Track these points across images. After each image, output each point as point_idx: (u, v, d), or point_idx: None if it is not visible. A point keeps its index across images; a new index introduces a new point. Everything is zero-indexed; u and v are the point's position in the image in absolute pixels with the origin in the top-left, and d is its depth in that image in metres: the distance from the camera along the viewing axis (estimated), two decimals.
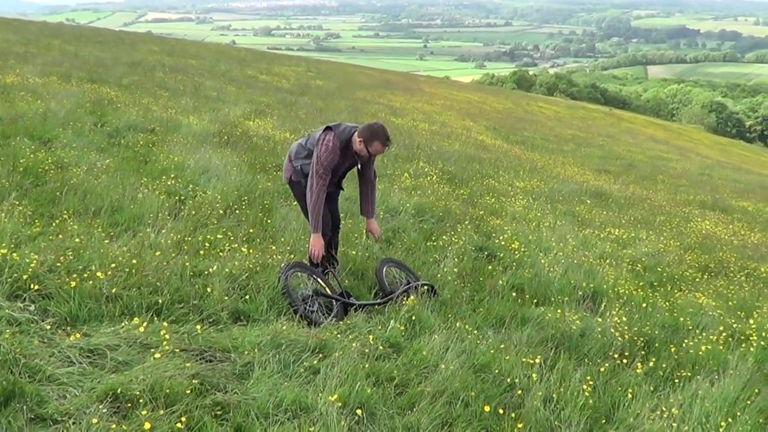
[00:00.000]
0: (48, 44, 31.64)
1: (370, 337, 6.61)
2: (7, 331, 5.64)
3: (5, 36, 32.52)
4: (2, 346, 5.37)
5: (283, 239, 8.93)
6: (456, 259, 9.46)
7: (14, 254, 6.76)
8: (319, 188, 7.50)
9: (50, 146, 12.02)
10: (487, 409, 5.75)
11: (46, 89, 18.27)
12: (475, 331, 7.24)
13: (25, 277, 6.39)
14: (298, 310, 6.90)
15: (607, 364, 7.04)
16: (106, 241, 7.76)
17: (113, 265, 6.93)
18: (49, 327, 5.88)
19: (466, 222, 11.58)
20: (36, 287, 6.34)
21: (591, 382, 6.51)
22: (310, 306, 7.15)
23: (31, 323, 5.88)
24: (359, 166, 7.91)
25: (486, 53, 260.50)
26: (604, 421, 6.04)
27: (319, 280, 7.58)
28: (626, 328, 8.17)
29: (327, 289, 7.52)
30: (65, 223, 8.25)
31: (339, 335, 6.56)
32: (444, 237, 10.46)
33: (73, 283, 6.40)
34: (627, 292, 9.67)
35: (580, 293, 9.14)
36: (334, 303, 7.40)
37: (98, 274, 6.65)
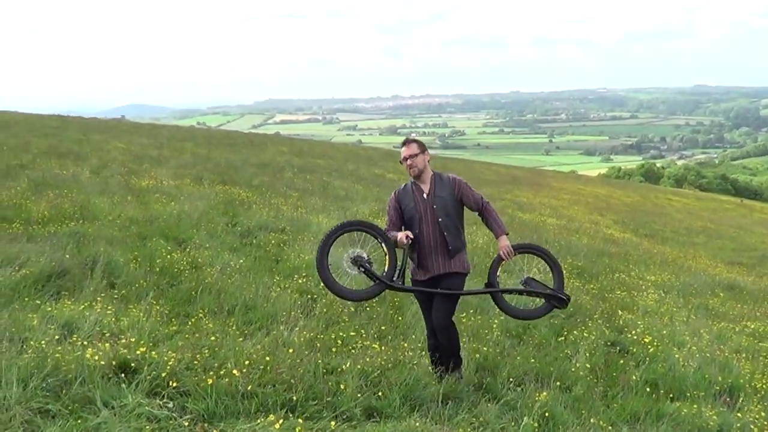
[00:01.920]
0: (180, 147, 32.78)
1: None
2: (147, 427, 5.79)
3: (140, 140, 33.85)
4: None
5: (414, 336, 8.96)
6: (588, 354, 9.31)
7: (153, 352, 6.96)
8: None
9: (185, 247, 12.40)
10: None
11: (180, 191, 18.91)
12: (610, 427, 7.09)
13: (163, 374, 6.56)
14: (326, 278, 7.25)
15: None
16: (241, 339, 7.93)
17: (248, 363, 7.06)
18: (187, 423, 6.01)
19: (597, 317, 11.42)
20: (174, 384, 6.49)
21: None
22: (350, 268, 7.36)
23: (170, 420, 6.01)
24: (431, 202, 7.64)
25: (612, 146, 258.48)
26: None
27: (384, 245, 7.42)
28: (765, 423, 7.89)
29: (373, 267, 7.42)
30: (201, 322, 8.47)
31: (471, 431, 6.50)
32: (575, 332, 10.33)
33: (210, 381, 6.53)
34: (765, 386, 9.34)
35: (717, 388, 8.87)
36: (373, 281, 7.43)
37: (234, 371, 6.78)
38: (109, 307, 8.44)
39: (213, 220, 14.85)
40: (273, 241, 13.47)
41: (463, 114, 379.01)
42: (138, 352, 6.90)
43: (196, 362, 7.01)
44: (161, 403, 6.26)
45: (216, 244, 12.88)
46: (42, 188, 16.46)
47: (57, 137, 29.93)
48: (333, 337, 8.32)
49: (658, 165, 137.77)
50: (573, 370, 8.67)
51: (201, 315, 8.74)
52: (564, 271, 8.26)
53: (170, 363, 6.76)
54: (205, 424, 6.08)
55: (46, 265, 9.69)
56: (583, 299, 12.76)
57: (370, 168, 36.77)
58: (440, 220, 7.50)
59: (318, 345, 7.98)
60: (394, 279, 7.42)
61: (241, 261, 11.47)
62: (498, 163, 77.24)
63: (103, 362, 6.66)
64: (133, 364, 6.72)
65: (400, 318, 9.72)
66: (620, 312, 12.27)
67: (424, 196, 7.57)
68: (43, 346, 6.90)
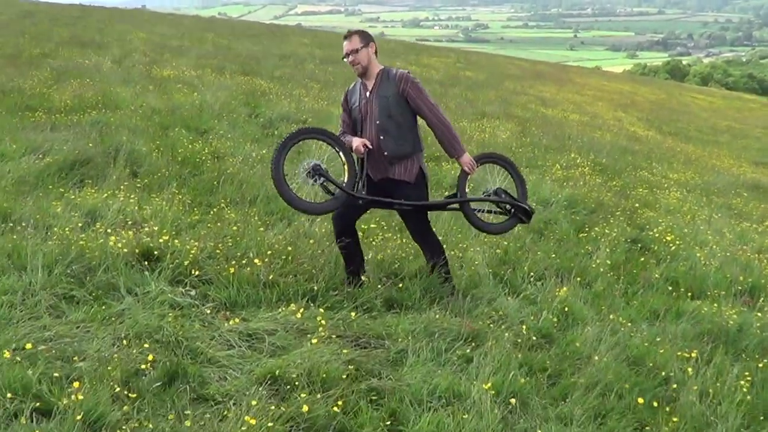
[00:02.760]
0: (201, 38, 32.52)
1: (523, 327, 6.58)
2: (170, 314, 5.88)
3: (161, 30, 33.59)
4: (166, 328, 5.60)
5: (434, 228, 8.97)
6: (609, 251, 9.32)
7: (175, 241, 7.04)
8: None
9: (206, 137, 12.41)
10: (641, 401, 5.65)
11: (201, 81, 18.84)
12: (629, 324, 7.12)
13: (186, 263, 6.65)
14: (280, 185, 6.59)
15: (765, 360, 6.83)
16: (262, 229, 7.97)
17: (269, 253, 7.12)
18: (209, 311, 6.10)
19: (619, 214, 11.40)
20: (196, 273, 6.59)
21: (749, 379, 6.33)
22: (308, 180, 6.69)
23: (192, 307, 6.12)
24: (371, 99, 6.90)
25: (638, 43, 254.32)
26: (762, 418, 5.86)
27: (341, 154, 6.79)
28: None
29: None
30: (223, 212, 8.52)
31: (491, 324, 6.56)
32: (596, 229, 10.32)
33: (232, 270, 6.61)
34: None
35: (738, 288, 8.87)
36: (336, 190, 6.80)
37: (256, 260, 6.84)
38: (132, 196, 8.49)
39: (235, 111, 14.82)
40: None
41: (486, 7, 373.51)
42: (161, 241, 6.98)
43: (218, 251, 7.09)
44: (184, 290, 6.37)
45: (237, 134, 12.88)
46: (64, 77, 16.44)
47: (78, 26, 29.76)
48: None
49: (684, 62, 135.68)
50: (593, 266, 8.69)
51: (223, 205, 8.78)
52: (527, 184, 7.82)
53: (192, 252, 6.84)
54: (227, 312, 6.18)
55: (69, 154, 9.74)
56: (605, 196, 12.73)
57: (392, 61, 36.33)
58: (378, 122, 6.83)
59: None
60: (355, 190, 6.82)
61: (263, 152, 11.46)
62: (522, 58, 76.27)
63: (126, 250, 6.75)
64: (155, 252, 6.81)
65: None
66: (642, 210, 12.24)
67: (367, 94, 6.90)
68: (67, 233, 6.98)
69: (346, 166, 6.77)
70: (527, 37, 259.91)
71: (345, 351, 5.63)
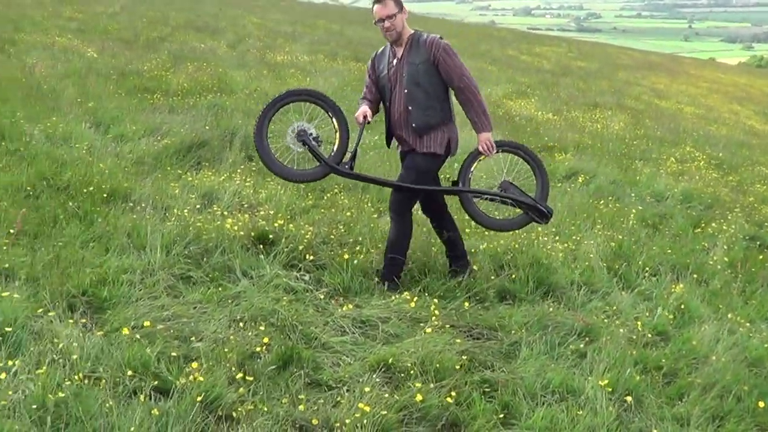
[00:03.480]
0: (313, 23, 32.81)
1: (638, 323, 6.45)
2: (284, 298, 5.93)
3: (274, 16, 33.98)
4: (280, 312, 5.65)
5: None
6: (726, 248, 9.07)
7: (290, 225, 7.08)
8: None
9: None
10: (761, 405, 5.49)
11: (314, 67, 19.00)
12: (748, 324, 6.92)
13: (300, 247, 6.70)
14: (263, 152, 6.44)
15: None
16: (375, 216, 7.98)
17: (381, 240, 7.11)
18: (322, 297, 6.13)
19: (737, 210, 11.09)
20: (310, 257, 6.62)
21: None
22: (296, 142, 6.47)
23: (306, 292, 6.15)
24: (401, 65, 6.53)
25: (754, 34, 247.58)
26: None
27: (334, 121, 6.54)
28: None
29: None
30: (336, 197, 8.54)
31: (605, 319, 6.44)
32: (713, 225, 10.05)
33: (346, 256, 6.62)
34: None
35: None
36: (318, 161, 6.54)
37: (370, 249, 6.85)
38: (248, 179, 8.59)
39: (347, 97, 14.86)
40: None
41: None
42: (276, 225, 7.03)
43: (332, 237, 7.12)
44: (298, 275, 6.40)
45: (350, 120, 12.90)
46: (180, 61, 16.72)
47: (194, 11, 30.25)
48: (466, 218, 8.27)
49: None
50: (710, 263, 8.46)
51: (336, 191, 8.81)
52: (550, 182, 7.14)
53: (307, 237, 6.89)
54: (340, 298, 6.19)
55: (186, 136, 9.89)
56: (722, 191, 12.41)
57: (503, 49, 36.15)
58: (406, 91, 6.43)
59: None
60: (341, 162, 6.51)
61: (376, 138, 11.47)
62: (634, 48, 75.04)
63: (242, 233, 6.83)
64: (271, 236, 6.87)
65: None
66: (761, 206, 11.89)
67: (395, 62, 6.52)
68: (185, 214, 7.08)
69: (337, 134, 6.50)
70: (640, 27, 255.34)
71: (458, 341, 5.59)
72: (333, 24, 33.85)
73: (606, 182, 11.38)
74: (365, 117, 6.49)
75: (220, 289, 5.96)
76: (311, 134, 6.45)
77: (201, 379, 4.53)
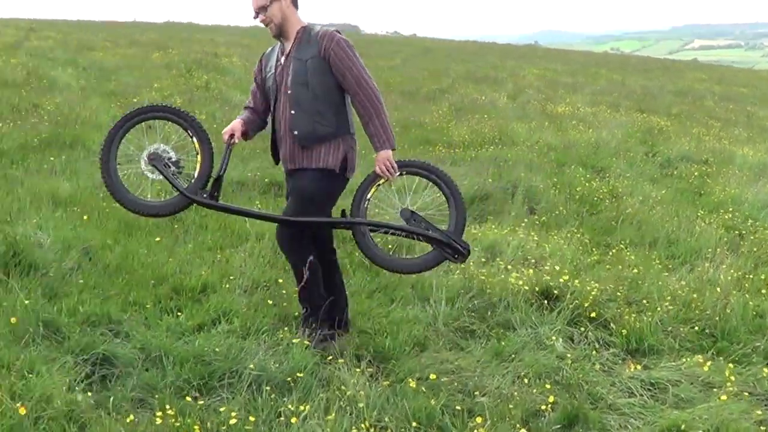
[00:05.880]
0: (594, 73, 32.56)
1: None
2: (569, 356, 5.80)
3: (553, 66, 34.00)
4: (565, 370, 5.54)
5: None
6: None
7: (576, 281, 6.94)
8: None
9: (603, 175, 12.29)
10: None
11: (596, 118, 18.80)
12: None
13: (586, 304, 6.54)
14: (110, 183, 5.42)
15: None
16: (665, 274, 7.70)
17: (669, 299, 6.85)
18: (608, 356, 5.94)
19: None
20: (594, 315, 6.45)
21: None
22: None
23: (592, 351, 5.99)
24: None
25: None
26: None
27: (195, 141, 5.46)
28: None
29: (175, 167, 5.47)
30: (622, 253, 8.33)
31: None
32: None
33: (633, 315, 6.41)
34: None
35: None
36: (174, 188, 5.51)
37: (657, 308, 6.61)
38: (531, 233, 8.54)
39: (631, 149, 14.59)
40: (695, 173, 12.96)
41: None
42: (561, 280, 6.91)
43: (618, 294, 6.92)
44: (582, 332, 6.25)
45: (635, 173, 12.64)
46: (461, 112, 17.02)
47: (473, 63, 30.82)
48: (763, 277, 7.83)
49: None
50: None
51: (622, 246, 8.59)
52: (467, 212, 5.90)
53: (593, 293, 6.71)
54: (627, 358, 5.99)
55: (469, 188, 9.98)
56: None
57: None
58: (290, 92, 5.39)
59: (746, 285, 7.54)
60: (201, 191, 5.42)
61: (662, 192, 11.16)
62: None
63: (526, 287, 6.77)
64: (555, 292, 6.75)
65: None
66: None
67: (283, 59, 5.48)
68: (471, 267, 7.10)
69: (199, 156, 5.47)
70: None
71: (758, 412, 5.24)
72: (614, 74, 33.45)
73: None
74: (231, 136, 5.54)
75: (503, 343, 5.92)
76: (169, 158, 5.45)
77: None
